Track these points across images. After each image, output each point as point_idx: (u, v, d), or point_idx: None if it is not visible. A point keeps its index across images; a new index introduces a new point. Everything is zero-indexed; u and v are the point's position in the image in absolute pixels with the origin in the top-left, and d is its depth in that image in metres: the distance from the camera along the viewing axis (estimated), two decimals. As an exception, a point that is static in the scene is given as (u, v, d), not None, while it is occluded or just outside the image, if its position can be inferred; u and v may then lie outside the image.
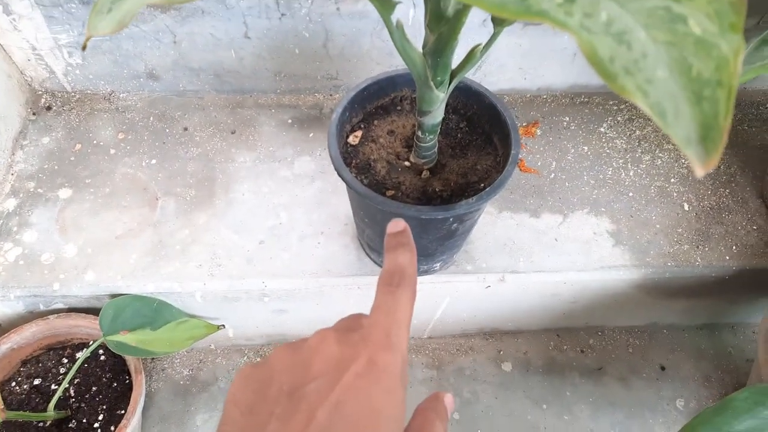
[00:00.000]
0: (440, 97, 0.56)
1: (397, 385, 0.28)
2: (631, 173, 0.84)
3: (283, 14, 0.78)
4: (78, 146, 0.83)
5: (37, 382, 0.75)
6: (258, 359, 0.87)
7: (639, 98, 0.21)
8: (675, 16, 0.22)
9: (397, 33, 0.50)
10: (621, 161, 0.85)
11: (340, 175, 0.59)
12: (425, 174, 0.65)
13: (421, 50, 0.53)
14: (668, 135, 0.20)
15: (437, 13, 0.49)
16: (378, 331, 0.30)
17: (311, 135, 0.87)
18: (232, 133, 0.86)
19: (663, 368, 0.90)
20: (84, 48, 0.36)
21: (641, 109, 0.21)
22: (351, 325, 0.32)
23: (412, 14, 0.79)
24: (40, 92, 0.88)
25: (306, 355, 0.30)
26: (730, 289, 0.80)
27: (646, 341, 0.92)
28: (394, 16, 0.47)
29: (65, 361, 0.77)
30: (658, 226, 0.79)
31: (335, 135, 0.62)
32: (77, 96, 0.88)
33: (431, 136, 0.61)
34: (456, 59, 0.53)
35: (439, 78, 0.54)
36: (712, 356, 0.91)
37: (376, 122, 0.68)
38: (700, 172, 0.20)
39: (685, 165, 0.86)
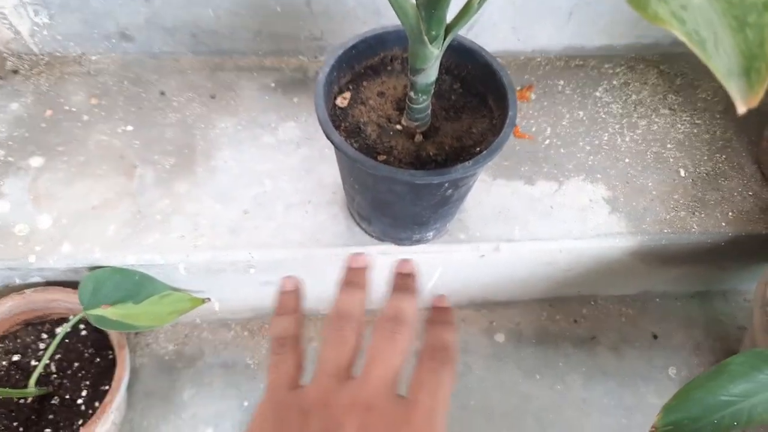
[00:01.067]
0: (434, 53, 0.53)
1: None
2: (627, 139, 0.82)
3: (264, -31, 0.74)
4: (49, 112, 0.79)
5: (16, 358, 0.73)
6: (245, 333, 0.85)
7: (675, 26, 0.19)
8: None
9: (388, -18, 0.46)
10: (617, 126, 0.83)
11: (329, 138, 0.56)
12: (418, 138, 0.62)
13: (414, 1, 0.49)
14: (709, 67, 0.18)
15: (432, -41, 0.45)
16: (422, 414, 0.29)
17: (295, 100, 0.83)
18: (212, 97, 0.82)
19: (655, 337, 0.89)
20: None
21: (679, 38, 0.18)
22: (387, 400, 0.30)
23: (401, -30, 0.75)
24: (5, 55, 0.82)
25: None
26: (724, 255, 0.79)
27: (638, 310, 0.92)
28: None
29: (45, 336, 0.74)
30: (654, 192, 0.77)
31: (322, 96, 0.58)
32: (46, 59, 0.83)
33: (424, 97, 0.58)
34: (451, 13, 0.50)
35: (433, 32, 0.50)
36: (704, 324, 0.91)
37: (365, 83, 0.65)
38: (741, 108, 0.18)
39: (681, 130, 0.83)
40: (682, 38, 0.18)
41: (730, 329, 0.91)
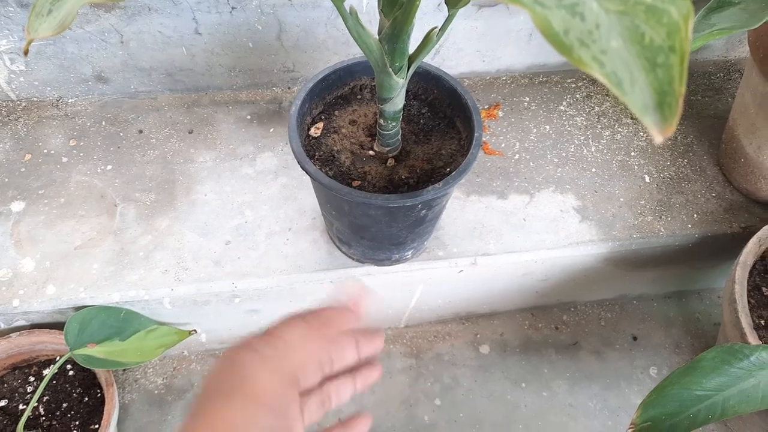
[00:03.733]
0: (400, 83, 0.55)
1: None
2: (592, 149, 0.85)
3: (233, 8, 0.76)
4: (28, 156, 0.80)
5: (3, 403, 0.72)
6: (234, 362, 0.86)
7: (595, 69, 0.21)
8: (625, -17, 0.22)
9: (352, 20, 0.49)
10: (582, 138, 0.87)
11: (303, 169, 0.58)
12: (390, 162, 0.64)
13: (377, 36, 0.52)
14: (625, 104, 0.20)
15: (390, -3, 0.48)
16: None
17: (271, 130, 0.85)
18: (190, 132, 0.84)
19: (635, 338, 0.92)
20: (26, 53, 0.34)
21: (599, 81, 0.20)
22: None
23: (366, 0, 0.78)
24: (-18, 102, 0.83)
25: None
26: (694, 256, 0.82)
27: (617, 313, 0.94)
28: (347, 3, 0.46)
29: (32, 379, 0.74)
30: (621, 199, 0.81)
31: (296, 128, 0.61)
32: (23, 104, 0.84)
33: (393, 124, 0.60)
34: (413, 44, 0.53)
35: (397, 64, 0.53)
36: (681, 323, 0.94)
37: (337, 112, 0.67)
38: (659, 138, 0.20)
39: (644, 138, 0.87)
40: (602, 79, 0.21)
41: (706, 326, 0.94)
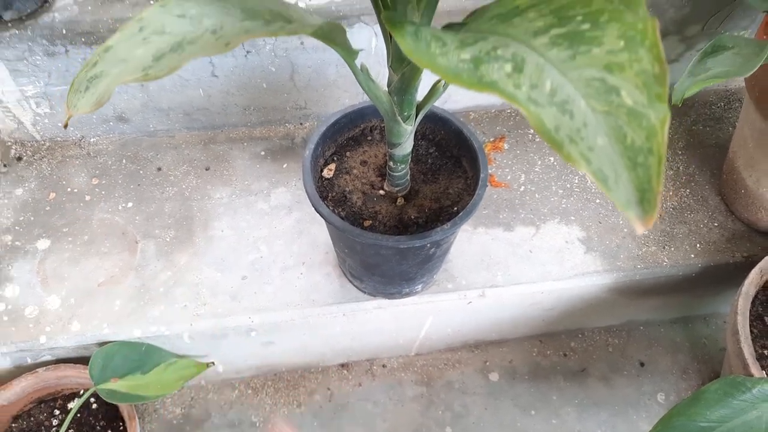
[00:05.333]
0: (408, 129, 0.58)
1: None
2: (596, 180, 0.88)
3: (248, 51, 0.80)
4: (52, 195, 0.83)
5: (28, 435, 0.75)
6: (249, 391, 0.88)
7: (583, 165, 0.24)
8: (609, 87, 0.25)
9: (363, 75, 0.52)
10: (586, 169, 0.89)
11: (318, 211, 0.61)
12: (400, 201, 0.67)
13: (386, 88, 0.55)
14: (611, 198, 0.23)
15: (399, 56, 0.51)
16: None
17: (285, 166, 0.88)
18: (207, 169, 0.87)
19: (642, 364, 0.93)
20: (65, 126, 0.38)
21: (588, 176, 0.23)
22: None
23: (374, 43, 0.81)
24: (9, 143, 0.87)
25: None
26: (697, 284, 0.84)
27: (624, 339, 0.96)
28: (359, 59, 0.49)
29: (57, 412, 0.77)
30: (625, 230, 0.83)
31: (309, 171, 0.64)
32: (47, 144, 0.88)
33: (402, 166, 0.63)
34: (421, 91, 0.56)
35: (405, 113, 0.56)
36: (688, 348, 0.95)
37: (348, 153, 0.70)
38: (641, 230, 0.23)
39: (646, 168, 0.89)
40: (590, 176, 0.23)
41: (713, 351, 0.95)
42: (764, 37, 0.70)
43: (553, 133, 0.25)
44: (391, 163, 0.63)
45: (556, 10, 0.30)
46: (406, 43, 0.34)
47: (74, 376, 0.74)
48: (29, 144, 0.88)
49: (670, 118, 0.23)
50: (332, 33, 0.45)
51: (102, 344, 0.72)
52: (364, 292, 0.76)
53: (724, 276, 0.83)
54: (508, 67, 0.28)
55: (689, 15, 0.84)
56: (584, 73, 0.26)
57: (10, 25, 0.72)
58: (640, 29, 0.25)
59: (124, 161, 0.87)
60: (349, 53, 0.47)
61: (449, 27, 0.45)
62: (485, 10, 0.42)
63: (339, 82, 0.86)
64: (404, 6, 0.46)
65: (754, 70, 0.56)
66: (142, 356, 0.73)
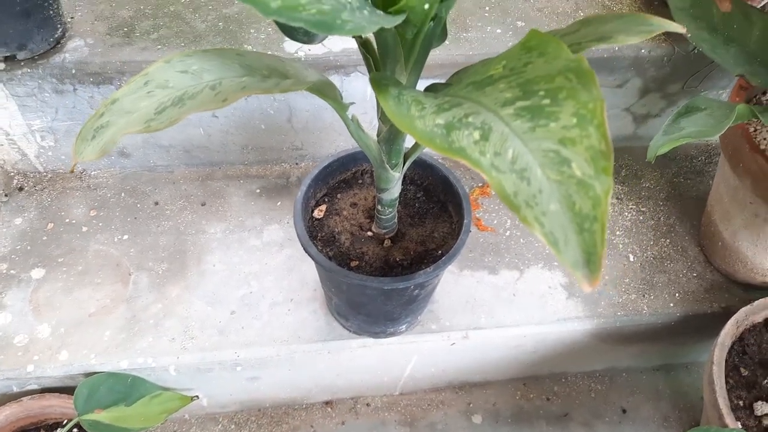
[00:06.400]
0: (396, 176, 0.61)
1: None
2: (580, 228, 0.90)
3: (248, 96, 0.83)
4: (50, 225, 0.85)
5: (9, 464, 0.75)
6: (232, 426, 0.89)
7: (537, 228, 0.26)
8: (563, 158, 0.27)
9: (353, 125, 0.55)
10: (570, 217, 0.92)
11: (306, 251, 0.63)
12: (387, 243, 0.69)
13: (375, 138, 0.58)
14: (560, 260, 0.25)
15: (387, 110, 0.54)
16: None
17: (279, 203, 0.91)
18: (203, 204, 0.90)
19: (624, 411, 0.94)
20: (72, 171, 0.40)
21: (540, 239, 0.25)
22: None
23: (369, 92, 0.85)
24: (12, 174, 0.90)
25: None
26: (677, 333, 0.86)
27: (606, 385, 0.97)
28: (350, 107, 0.53)
29: (38, 441, 0.77)
30: (607, 277, 0.85)
31: (300, 212, 0.66)
32: (49, 175, 0.91)
33: (390, 209, 0.66)
34: (409, 141, 0.59)
35: (393, 161, 0.59)
36: (670, 396, 0.96)
37: (339, 195, 0.73)
38: (587, 289, 0.25)
39: (628, 218, 0.92)
40: (542, 238, 0.26)
41: (694, 400, 0.96)
42: (737, 98, 0.74)
43: (512, 197, 0.27)
44: (379, 207, 0.66)
45: (523, 84, 0.33)
46: (389, 106, 0.37)
47: (59, 406, 0.75)
48: (31, 175, 0.91)
49: (612, 190, 0.26)
50: (325, 89, 0.48)
51: (89, 374, 0.73)
52: (350, 331, 0.78)
53: (702, 325, 0.85)
54: (476, 135, 0.31)
55: (670, 74, 0.88)
56: (542, 144, 0.29)
57: (22, 64, 0.76)
58: (591, 109, 0.28)
59: (122, 194, 0.90)
60: (340, 106, 0.50)
61: (432, 87, 0.48)
62: (466, 74, 0.46)
63: (335, 125, 0.90)
64: (393, 66, 0.50)
65: (723, 131, 0.59)
66: (127, 388, 0.74)
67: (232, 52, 0.48)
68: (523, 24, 0.87)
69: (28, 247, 0.83)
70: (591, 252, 0.25)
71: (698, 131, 0.63)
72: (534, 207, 0.27)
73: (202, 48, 0.80)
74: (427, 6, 0.42)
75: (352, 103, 0.52)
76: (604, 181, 0.26)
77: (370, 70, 0.51)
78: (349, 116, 0.54)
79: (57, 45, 0.78)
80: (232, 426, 0.89)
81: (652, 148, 0.62)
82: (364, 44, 0.50)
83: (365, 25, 0.35)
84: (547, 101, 0.30)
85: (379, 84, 0.40)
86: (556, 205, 0.26)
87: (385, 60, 0.49)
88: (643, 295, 0.83)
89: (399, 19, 0.39)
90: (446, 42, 0.83)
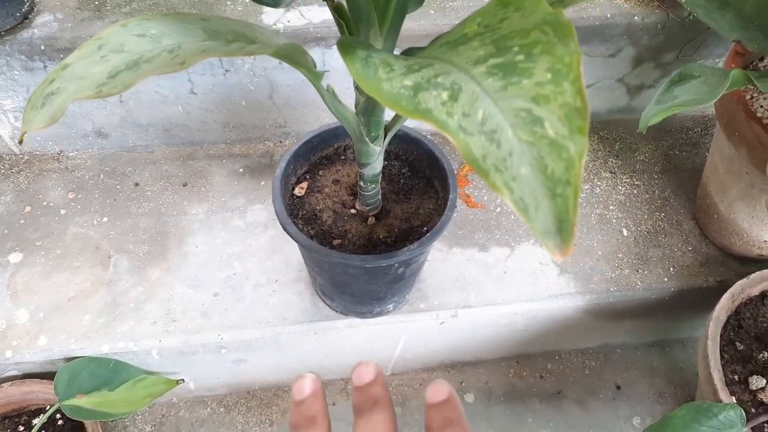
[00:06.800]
0: (376, 150, 0.58)
1: None
2: (572, 202, 0.88)
3: (227, 70, 0.80)
4: (28, 208, 0.83)
5: (-8, 452, 0.74)
6: (221, 409, 0.87)
7: (506, 194, 0.24)
8: (535, 118, 0.25)
9: (329, 96, 0.52)
10: (562, 191, 0.89)
11: (284, 229, 0.61)
12: (371, 220, 0.67)
13: (353, 109, 0.55)
14: (530, 228, 0.23)
15: (363, 79, 0.51)
16: None
17: (262, 183, 0.88)
18: (184, 185, 0.87)
19: (618, 387, 0.93)
20: (21, 142, 0.38)
21: (509, 205, 0.23)
22: None
23: (352, 64, 0.82)
24: (-14, 156, 0.88)
25: None
26: (671, 308, 0.84)
27: (600, 362, 0.95)
28: (327, 79, 0.50)
29: (21, 428, 0.76)
30: (599, 252, 0.83)
31: (279, 189, 0.64)
32: (26, 158, 0.88)
33: (373, 185, 0.64)
34: (390, 113, 0.56)
35: (373, 134, 0.56)
36: (665, 372, 0.95)
37: (321, 172, 0.71)
38: (559, 259, 0.23)
39: (622, 192, 0.90)
40: (511, 205, 0.24)
41: (689, 376, 0.95)
42: (733, 65, 0.72)
43: (480, 161, 0.25)
44: (361, 183, 0.63)
45: (497, 40, 0.30)
46: (355, 68, 0.34)
47: (40, 392, 0.73)
48: (7, 157, 0.88)
49: (587, 151, 0.23)
50: (294, 54, 0.45)
51: (69, 359, 0.72)
52: (336, 311, 0.76)
53: (698, 300, 0.83)
54: (445, 95, 0.28)
55: (664, 42, 0.85)
56: (514, 103, 0.26)
57: (-12, 39, 0.73)
58: (567, 63, 0.25)
59: (101, 176, 0.87)
60: (313, 74, 0.48)
61: (409, 51, 0.45)
62: (442, 35, 0.43)
63: (318, 101, 0.87)
64: (367, 31, 0.47)
65: (718, 98, 0.57)
66: (109, 372, 0.72)
67: (195, 17, 0.45)
68: (512, -9, 0.83)
69: (5, 231, 0.80)
70: (563, 219, 0.23)
71: (692, 99, 0.60)
72: (504, 171, 0.24)
73: (177, 21, 0.77)
74: (398, -38, 0.39)
75: (326, 71, 0.50)
76: (578, 141, 0.23)
77: (343, 34, 0.48)
78: (325, 86, 0.52)
79: (25, 20, 0.75)
80: (221, 409, 0.88)
81: (644, 118, 0.60)
82: (336, 8, 0.47)
83: (327, -20, 0.32)
84: (521, 57, 0.28)
85: (346, 47, 0.38)
86: (527, 169, 0.24)
87: (359, 24, 0.46)
88: (637, 270, 0.81)
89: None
90: (431, 12, 0.80)
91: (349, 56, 0.36)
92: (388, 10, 0.46)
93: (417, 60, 0.35)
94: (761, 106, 0.70)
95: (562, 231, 0.23)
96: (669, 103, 0.61)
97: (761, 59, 0.75)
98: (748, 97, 0.69)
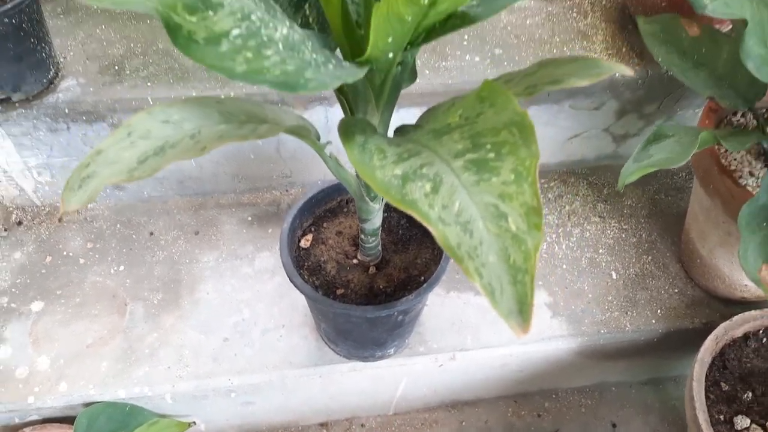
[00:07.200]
0: (376, 207, 0.64)
1: None
2: (563, 246, 0.93)
3: (237, 128, 0.86)
4: (48, 258, 0.88)
5: (11, 494, 0.77)
6: (229, 450, 0.90)
7: (476, 279, 0.29)
8: (501, 213, 0.30)
9: (332, 162, 0.58)
10: (554, 236, 0.94)
11: (291, 281, 0.66)
12: (372, 270, 0.72)
13: (354, 172, 0.61)
14: (495, 310, 0.28)
15: (362, 148, 0.57)
16: None
17: (270, 231, 0.93)
18: (196, 233, 0.93)
19: (614, 425, 0.95)
20: (60, 221, 0.43)
21: (479, 289, 0.28)
22: None
23: (354, 121, 0.88)
24: (10, 209, 0.93)
25: None
26: (660, 348, 0.88)
27: (596, 400, 0.98)
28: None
29: (40, 471, 0.79)
30: (590, 295, 0.87)
31: (286, 243, 0.69)
32: (47, 209, 0.94)
33: (373, 238, 0.68)
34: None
35: (372, 194, 0.61)
36: (659, 410, 0.98)
37: (325, 224, 0.76)
38: (520, 335, 0.28)
39: (611, 236, 0.95)
40: (481, 289, 0.28)
41: (682, 413, 0.97)
42: (707, 120, 0.77)
43: (455, 249, 0.30)
44: (362, 236, 0.68)
45: (473, 135, 0.36)
46: (353, 155, 0.39)
47: (59, 436, 0.77)
48: (29, 209, 0.94)
49: (541, 244, 0.28)
50: (301, 131, 0.51)
51: (88, 404, 0.76)
52: (340, 355, 0.80)
53: (685, 341, 0.87)
54: (428, 187, 0.33)
55: (645, 96, 0.91)
56: (485, 198, 0.31)
57: (17, 105, 0.79)
58: (527, 166, 0.30)
59: (118, 226, 0.93)
60: (317, 146, 0.53)
61: (402, 129, 0.51)
62: (432, 115, 0.48)
63: (321, 153, 0.93)
64: (365, 107, 0.52)
65: (689, 158, 0.62)
66: (125, 416, 0.76)
67: (212, 100, 0.51)
68: (501, 51, 0.90)
69: (28, 281, 0.85)
70: (523, 302, 0.28)
71: (666, 158, 0.65)
72: (475, 258, 0.29)
73: (190, 83, 0.84)
74: (391, 55, 0.45)
75: (329, 143, 0.55)
76: (534, 236, 0.28)
77: (345, 112, 0.54)
78: (328, 153, 0.57)
79: (50, 85, 0.81)
80: (229, 450, 0.91)
81: (622, 175, 0.65)
82: (338, 88, 0.53)
83: (328, 81, 0.37)
84: (492, 155, 0.33)
85: (346, 132, 0.43)
86: (494, 257, 0.29)
87: (357, 102, 0.52)
88: (626, 312, 0.85)
89: (362, 73, 0.41)
90: (426, 72, 0.87)
91: (349, 142, 0.41)
92: (384, 90, 0.51)
93: (407, 147, 0.40)
94: (735, 159, 0.75)
95: (522, 312, 0.28)
96: (645, 161, 0.66)
97: (734, 113, 0.80)
98: (721, 151, 0.74)
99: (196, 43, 0.32)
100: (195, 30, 0.32)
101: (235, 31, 0.34)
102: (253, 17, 0.37)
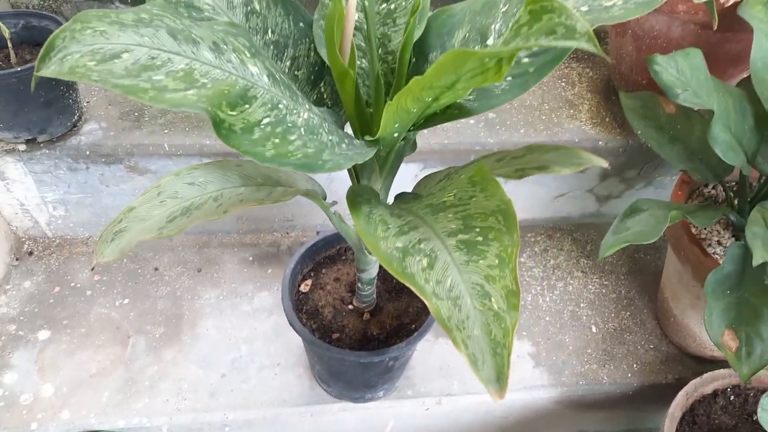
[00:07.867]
0: (373, 259, 0.69)
1: None
2: (547, 299, 0.98)
3: (245, 174, 0.92)
4: (57, 289, 0.92)
5: None
6: (219, 484, 0.93)
7: (462, 349, 0.34)
8: (485, 292, 0.35)
9: (335, 218, 0.63)
10: (539, 288, 0.99)
11: (292, 326, 0.70)
12: (366, 316, 0.77)
13: (354, 228, 0.66)
14: (477, 377, 0.33)
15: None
16: None
17: (269, 271, 0.98)
18: (199, 271, 0.97)
19: (591, 474, 0.99)
20: (93, 269, 0.48)
21: (463, 358, 0.33)
22: None
23: (355, 172, 0.94)
24: (23, 239, 0.97)
25: None
26: (636, 401, 0.92)
27: (575, 448, 1.02)
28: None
29: (34, 497, 0.81)
30: (570, 347, 0.92)
31: (288, 288, 0.74)
32: (57, 241, 0.98)
33: (369, 287, 0.74)
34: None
35: (370, 248, 0.67)
36: (634, 460, 1.01)
37: (324, 270, 0.81)
38: (497, 400, 0.33)
39: (592, 291, 1.00)
40: (465, 358, 0.34)
41: (657, 464, 1.01)
42: (680, 192, 0.84)
43: (446, 321, 0.35)
44: (359, 284, 0.73)
45: (465, 217, 0.41)
46: (360, 224, 0.45)
47: (57, 463, 0.80)
48: (41, 240, 0.98)
49: (517, 323, 0.33)
50: (311, 194, 0.57)
51: (87, 433, 0.79)
52: (331, 395, 0.84)
53: (659, 395, 0.92)
54: (425, 262, 0.39)
55: (626, 162, 0.98)
56: (472, 277, 0.37)
57: (41, 145, 0.84)
58: (509, 253, 0.36)
59: (125, 260, 0.97)
60: (324, 206, 0.59)
61: (402, 197, 0.57)
62: (429, 183, 0.54)
63: (323, 200, 0.98)
64: (370, 174, 0.58)
65: (661, 234, 0.67)
66: (122, 447, 0.79)
67: (232, 163, 0.57)
68: (494, 116, 0.97)
69: (36, 309, 0.89)
70: (501, 372, 0.33)
71: (640, 232, 0.70)
72: (462, 330, 0.34)
73: (204, 132, 0.89)
74: (396, 134, 0.51)
75: (335, 203, 0.61)
76: (513, 315, 0.34)
77: (351, 178, 0.60)
78: (332, 210, 0.63)
79: (74, 128, 0.87)
80: (218, 483, 0.94)
81: (602, 248, 0.70)
82: (346, 157, 0.59)
83: (342, 162, 0.43)
84: (480, 239, 0.39)
85: (353, 202, 0.49)
86: (479, 331, 0.34)
87: (363, 170, 0.58)
88: (604, 365, 0.90)
89: (371, 153, 0.48)
90: (425, 132, 0.93)
91: (356, 212, 0.47)
92: (387, 161, 0.57)
93: (407, 219, 0.45)
94: (705, 228, 0.81)
95: (499, 380, 0.33)
96: (622, 234, 0.71)
97: (706, 185, 0.87)
98: (690, 221, 0.81)
99: (234, 132, 0.38)
100: (234, 122, 0.38)
101: (266, 120, 0.40)
102: (281, 105, 0.43)
